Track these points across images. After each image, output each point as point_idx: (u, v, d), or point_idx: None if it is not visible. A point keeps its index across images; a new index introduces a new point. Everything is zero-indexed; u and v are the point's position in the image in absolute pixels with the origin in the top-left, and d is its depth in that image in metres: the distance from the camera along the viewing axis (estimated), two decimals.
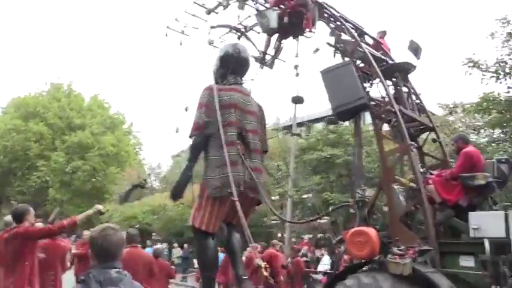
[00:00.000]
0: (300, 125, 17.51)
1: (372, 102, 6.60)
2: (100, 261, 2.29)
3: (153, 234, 24.86)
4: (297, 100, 8.72)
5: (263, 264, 5.84)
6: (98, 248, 2.29)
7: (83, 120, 37.97)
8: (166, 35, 8.23)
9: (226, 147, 5.82)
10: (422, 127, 7.01)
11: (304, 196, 17.24)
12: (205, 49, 7.44)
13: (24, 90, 76.65)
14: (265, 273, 5.95)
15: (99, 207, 5.45)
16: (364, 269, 4.90)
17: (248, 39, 7.98)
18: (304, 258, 9.81)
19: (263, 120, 6.77)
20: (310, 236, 17.87)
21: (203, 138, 5.98)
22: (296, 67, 8.14)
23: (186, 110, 7.14)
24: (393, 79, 7.08)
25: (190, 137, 6.13)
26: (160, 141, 78.66)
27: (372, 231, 4.94)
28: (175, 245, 23.32)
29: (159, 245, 11.05)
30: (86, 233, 8.76)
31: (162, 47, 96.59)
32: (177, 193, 5.85)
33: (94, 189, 36.72)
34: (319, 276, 5.96)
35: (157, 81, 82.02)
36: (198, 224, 5.83)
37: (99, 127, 37.61)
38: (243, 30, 7.96)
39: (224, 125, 5.93)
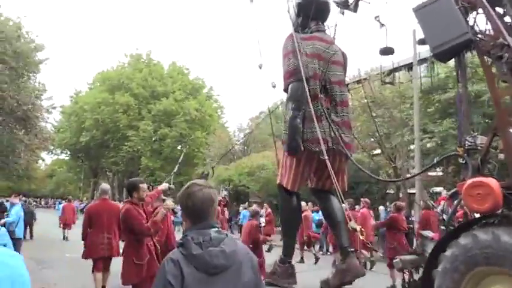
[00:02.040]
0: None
1: (478, 37, 6.02)
2: (192, 221, 2.18)
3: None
4: (386, 51, 8.22)
5: (358, 227, 5.71)
6: (185, 207, 2.19)
7: (165, 88, 39.82)
8: None
9: (311, 102, 5.68)
10: None
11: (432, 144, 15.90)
12: (279, 1, 7.19)
13: (106, 64, 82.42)
14: (361, 237, 5.83)
15: (170, 204, 5.83)
16: (480, 225, 4.58)
17: None
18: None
19: (346, 66, 6.49)
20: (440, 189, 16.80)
21: (300, 83, 5.83)
22: (377, 18, 7.63)
23: (274, 86, 7.08)
24: (499, 8, 6.35)
25: (285, 87, 6.02)
26: (240, 104, 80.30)
27: (493, 182, 4.56)
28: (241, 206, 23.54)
29: (254, 206, 11.56)
30: None
31: (233, 7, 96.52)
32: (294, 146, 5.82)
33: (184, 155, 38.61)
34: (429, 233, 5.73)
35: (232, 43, 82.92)
36: (284, 182, 5.88)
37: (181, 93, 39.23)
38: None
39: (306, 78, 5.77)
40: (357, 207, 12.40)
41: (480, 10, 6.04)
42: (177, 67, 43.74)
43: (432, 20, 6.11)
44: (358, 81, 15.90)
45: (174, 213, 5.70)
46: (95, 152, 43.47)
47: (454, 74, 7.26)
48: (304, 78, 5.71)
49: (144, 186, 5.54)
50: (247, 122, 39.67)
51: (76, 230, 12.76)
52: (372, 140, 19.79)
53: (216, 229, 2.16)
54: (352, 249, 6.26)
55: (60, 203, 30.50)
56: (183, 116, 37.74)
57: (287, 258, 5.96)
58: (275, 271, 5.34)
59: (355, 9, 7.94)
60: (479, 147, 5.36)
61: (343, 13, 7.56)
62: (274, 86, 7.29)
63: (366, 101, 16.35)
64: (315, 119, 5.60)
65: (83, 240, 7.34)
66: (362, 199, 12.37)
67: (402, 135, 17.16)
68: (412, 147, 17.27)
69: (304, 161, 6.03)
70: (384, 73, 15.79)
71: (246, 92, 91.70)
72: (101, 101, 39.92)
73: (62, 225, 18.68)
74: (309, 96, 5.67)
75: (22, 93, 20.94)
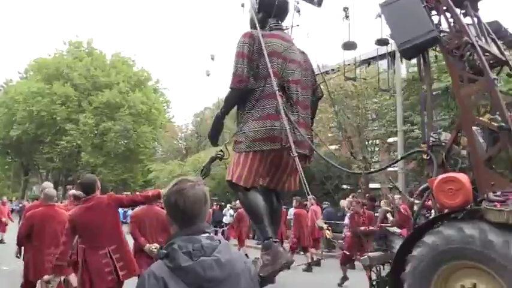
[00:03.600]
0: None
1: (443, 35, 6.38)
2: (181, 225, 1.93)
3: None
4: (349, 46, 8.51)
5: (325, 225, 5.86)
6: (174, 207, 1.93)
7: (109, 79, 38.59)
8: None
9: (268, 99, 5.79)
10: (492, 61, 6.73)
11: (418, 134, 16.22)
12: None
13: (41, 52, 78.64)
14: (327, 235, 5.98)
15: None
16: (447, 221, 4.83)
17: None
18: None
19: (309, 67, 6.65)
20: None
21: (244, 92, 5.94)
22: (346, 9, 7.89)
23: (208, 74, 7.14)
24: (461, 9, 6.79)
25: (231, 88, 6.09)
26: (186, 98, 79.51)
27: (464, 177, 4.78)
28: (228, 205, 23.46)
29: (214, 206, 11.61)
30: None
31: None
32: (214, 135, 5.92)
33: (128, 151, 37.87)
34: (396, 229, 5.99)
35: (178, 34, 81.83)
36: (235, 179, 5.95)
37: (126, 85, 38.27)
38: None
39: (265, 75, 5.88)
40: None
41: (444, 9, 6.40)
42: (120, 57, 42.53)
43: (399, 17, 6.39)
44: (326, 72, 16.24)
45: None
46: (27, 147, 41.12)
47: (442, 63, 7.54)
48: (272, 75, 5.83)
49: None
50: (191, 118, 39.47)
51: (12, 234, 11.73)
52: (343, 133, 20.25)
53: (208, 235, 1.94)
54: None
55: None
56: (128, 109, 36.92)
57: (269, 240, 5.98)
58: (264, 262, 5.36)
59: (319, 4, 8.12)
60: (443, 143, 5.69)
61: (298, 11, 7.68)
62: (208, 74, 7.37)
63: (334, 92, 16.61)
64: (283, 116, 5.68)
65: (18, 245, 6.51)
66: (295, 198, 12.66)
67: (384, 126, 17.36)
68: (390, 140, 17.67)
69: (259, 159, 6.10)
70: (356, 63, 16.26)
71: (190, 86, 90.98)
72: (36, 91, 37.84)
73: None
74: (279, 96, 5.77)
75: None
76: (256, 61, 6.02)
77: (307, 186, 5.53)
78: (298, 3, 7.78)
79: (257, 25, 6.40)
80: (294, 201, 12.75)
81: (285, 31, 6.72)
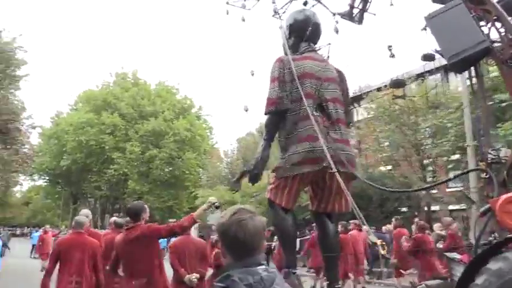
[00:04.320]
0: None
1: (495, 45, 6.11)
2: (236, 257, 1.90)
3: None
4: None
5: (379, 241, 5.70)
6: (233, 238, 1.89)
7: (154, 108, 39.90)
8: (228, 13, 8.33)
9: (305, 121, 5.77)
10: None
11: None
12: (270, 22, 7.37)
13: (88, 84, 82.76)
14: (382, 252, 5.83)
15: (213, 199, 5.46)
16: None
17: (319, 1, 7.77)
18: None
19: (345, 87, 6.59)
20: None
21: (279, 113, 5.96)
22: (390, 48, 7.83)
23: (246, 110, 7.24)
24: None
25: (265, 113, 6.14)
26: (229, 124, 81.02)
27: None
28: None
29: None
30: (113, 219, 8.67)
31: (224, 26, 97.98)
32: (255, 175, 5.93)
33: (173, 178, 38.57)
34: (456, 255, 5.64)
35: (222, 62, 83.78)
36: (278, 200, 5.90)
37: (171, 113, 39.37)
38: None
39: (299, 97, 5.87)
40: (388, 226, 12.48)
41: (494, 18, 6.16)
42: (164, 86, 44.02)
43: (446, 29, 6.18)
44: (379, 89, 15.89)
45: (217, 207, 5.60)
46: (76, 176, 42.96)
47: None
48: (304, 97, 5.83)
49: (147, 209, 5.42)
50: (235, 143, 39.86)
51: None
52: (402, 150, 19.40)
53: (264, 267, 1.91)
54: (339, 286, 6.30)
55: (36, 231, 29.70)
56: (173, 136, 37.77)
57: (291, 270, 5.88)
58: None
59: (360, 21, 8.08)
60: (503, 161, 5.37)
61: (337, 31, 7.67)
62: (246, 110, 7.47)
63: (392, 108, 15.90)
64: (320, 138, 5.63)
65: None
66: (351, 221, 12.22)
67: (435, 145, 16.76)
68: (456, 156, 16.91)
69: (298, 183, 6.06)
70: (410, 78, 15.80)
71: (232, 113, 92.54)
72: (85, 121, 39.67)
73: (39, 256, 18.26)
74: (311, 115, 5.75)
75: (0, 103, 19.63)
76: (289, 84, 6.06)
77: (354, 204, 5.38)
78: (337, 22, 7.81)
79: (288, 50, 6.49)
80: (340, 226, 12.41)
81: (319, 51, 6.76)
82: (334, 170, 5.33)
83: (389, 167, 19.43)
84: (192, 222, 5.24)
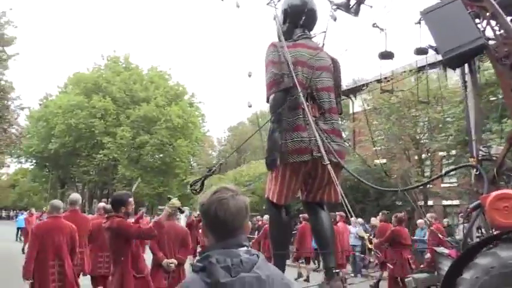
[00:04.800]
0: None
1: (491, 42, 6.19)
2: (218, 237, 1.85)
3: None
4: (386, 56, 8.37)
5: (366, 235, 5.84)
6: (214, 218, 1.83)
7: (147, 93, 39.75)
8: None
9: (295, 110, 5.81)
10: None
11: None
12: (265, 9, 7.28)
13: (79, 67, 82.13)
14: (369, 246, 5.96)
15: (177, 203, 5.47)
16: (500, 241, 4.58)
17: None
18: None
19: (338, 76, 6.60)
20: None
21: (282, 94, 5.96)
22: (375, 25, 7.83)
23: (250, 75, 7.22)
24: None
25: (267, 98, 6.16)
26: (221, 112, 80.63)
27: None
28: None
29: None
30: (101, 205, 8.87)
31: (218, 13, 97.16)
32: (272, 161, 5.86)
33: (164, 165, 38.59)
34: (444, 250, 5.78)
35: (215, 49, 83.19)
36: (271, 196, 5.96)
37: (163, 99, 39.23)
38: None
39: (290, 86, 5.91)
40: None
41: (489, 15, 6.22)
42: (157, 72, 43.77)
43: (442, 25, 6.25)
44: (379, 81, 15.77)
45: (181, 212, 5.63)
46: (65, 160, 42.62)
47: None
48: (297, 83, 5.84)
49: (132, 200, 5.41)
50: (226, 132, 39.97)
51: None
52: (401, 143, 19.25)
53: (246, 248, 1.84)
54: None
55: (22, 214, 29.23)
56: (165, 123, 37.72)
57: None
58: None
59: (356, 13, 8.09)
60: (493, 158, 5.48)
61: (335, 19, 7.66)
62: (250, 106, 7.48)
63: (391, 100, 15.65)
64: (314, 127, 5.67)
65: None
66: (337, 213, 12.33)
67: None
68: (453, 152, 16.94)
69: (290, 172, 6.11)
70: (411, 71, 15.65)
71: (225, 101, 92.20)
72: (75, 104, 39.30)
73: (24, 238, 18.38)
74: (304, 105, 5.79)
75: None
76: (285, 66, 6.08)
77: (343, 194, 5.46)
78: (335, 10, 7.81)
79: (282, 36, 6.51)
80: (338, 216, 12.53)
81: (313, 39, 6.77)
82: (327, 161, 5.39)
83: (384, 160, 19.38)
84: (159, 229, 5.27)
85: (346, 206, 5.48)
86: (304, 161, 5.74)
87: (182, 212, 5.58)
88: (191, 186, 6.17)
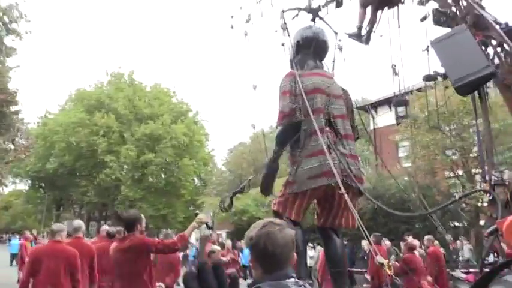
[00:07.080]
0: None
1: (499, 70, 6.77)
2: (267, 269, 2.03)
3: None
4: (400, 103, 8.85)
5: (385, 261, 6.20)
6: (262, 251, 2.02)
7: (152, 110, 40.11)
8: (232, 27, 8.82)
9: (312, 136, 6.37)
10: None
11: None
12: (273, 37, 7.85)
13: (80, 84, 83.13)
14: (389, 272, 6.33)
15: (204, 218, 5.47)
16: None
17: (322, 19, 8.30)
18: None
19: (349, 104, 7.25)
20: None
21: (292, 126, 6.47)
22: (394, 67, 8.44)
23: (255, 88, 7.80)
24: None
25: (278, 126, 6.75)
26: (225, 132, 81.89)
27: None
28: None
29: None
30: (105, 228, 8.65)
31: (228, 40, 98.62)
32: (266, 187, 6.40)
33: (168, 185, 38.96)
34: (461, 274, 6.11)
35: (219, 71, 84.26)
36: (281, 209, 6.47)
37: (169, 117, 39.50)
38: (316, 9, 8.20)
39: (309, 114, 6.46)
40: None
41: (495, 44, 6.86)
42: (161, 89, 44.36)
43: (452, 54, 6.77)
44: (419, 90, 15.89)
45: (208, 228, 5.75)
46: (62, 180, 42.16)
47: None
48: (311, 113, 6.40)
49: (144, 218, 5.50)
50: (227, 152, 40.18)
51: None
52: (451, 157, 19.23)
53: (294, 280, 2.03)
54: None
55: (15, 238, 27.83)
56: (170, 141, 38.00)
57: None
58: None
59: (366, 42, 8.74)
60: (506, 183, 5.93)
61: (340, 49, 8.30)
62: (254, 127, 8.05)
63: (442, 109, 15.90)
64: (326, 151, 6.21)
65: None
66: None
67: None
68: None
69: (308, 199, 6.65)
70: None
71: (228, 119, 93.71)
72: (76, 121, 39.35)
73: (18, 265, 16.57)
74: (318, 130, 6.31)
75: None
76: (300, 97, 6.67)
77: (360, 221, 5.95)
78: (340, 40, 8.47)
79: (294, 66, 7.14)
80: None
81: (325, 68, 7.43)
82: (343, 190, 5.84)
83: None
84: (184, 244, 5.39)
85: (364, 232, 5.86)
86: (328, 184, 6.23)
87: (210, 228, 5.72)
88: (220, 203, 6.65)
